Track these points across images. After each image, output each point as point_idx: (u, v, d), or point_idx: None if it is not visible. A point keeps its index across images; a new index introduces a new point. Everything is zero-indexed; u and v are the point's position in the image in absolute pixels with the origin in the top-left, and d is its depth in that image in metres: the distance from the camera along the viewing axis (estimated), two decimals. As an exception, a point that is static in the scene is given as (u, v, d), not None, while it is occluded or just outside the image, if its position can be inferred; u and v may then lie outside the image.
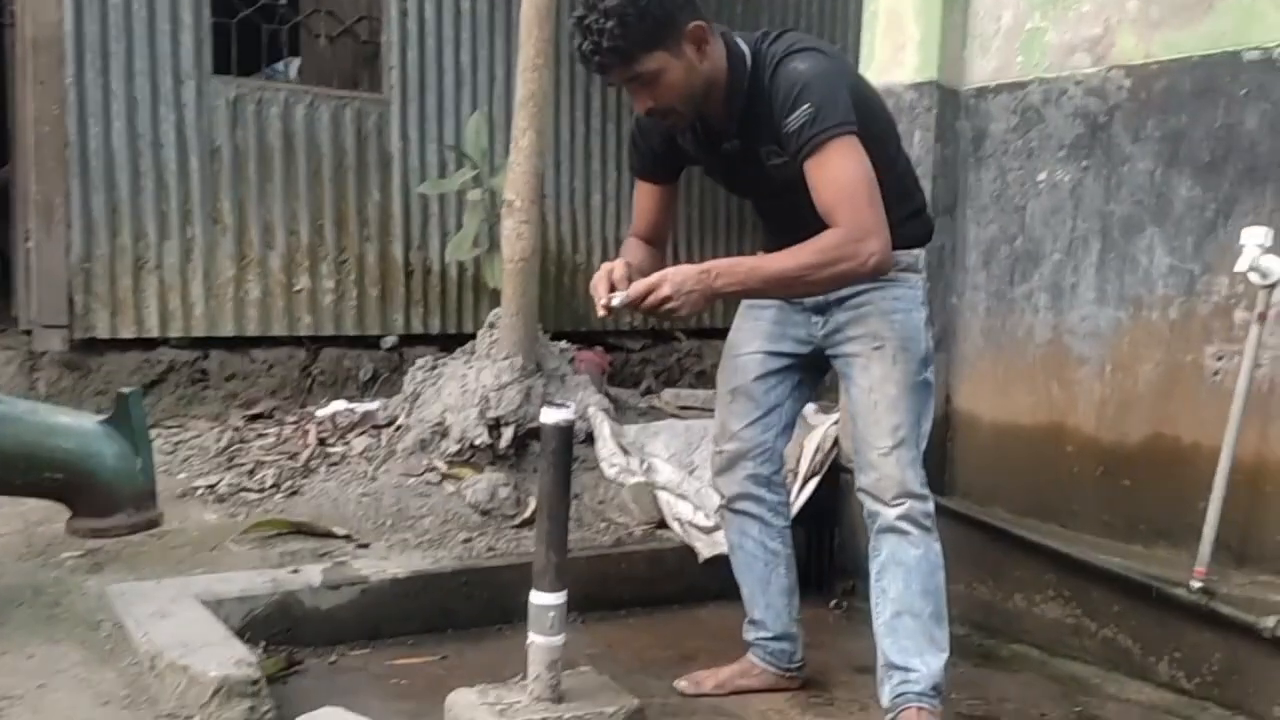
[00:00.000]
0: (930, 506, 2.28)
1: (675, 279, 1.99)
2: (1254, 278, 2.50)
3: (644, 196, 2.43)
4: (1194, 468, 2.71)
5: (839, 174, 2.03)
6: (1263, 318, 2.52)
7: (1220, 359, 2.71)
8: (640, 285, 2.00)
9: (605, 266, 2.09)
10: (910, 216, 2.30)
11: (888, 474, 2.24)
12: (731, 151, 2.24)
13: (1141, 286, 2.87)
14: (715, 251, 5.45)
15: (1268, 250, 2.47)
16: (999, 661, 2.89)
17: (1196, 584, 2.57)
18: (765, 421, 2.47)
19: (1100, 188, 2.96)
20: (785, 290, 2.18)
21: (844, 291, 2.26)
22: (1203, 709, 2.57)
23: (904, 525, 2.24)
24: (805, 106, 2.01)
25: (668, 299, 1.97)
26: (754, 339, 2.46)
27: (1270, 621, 2.43)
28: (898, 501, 2.24)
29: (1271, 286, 2.50)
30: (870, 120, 2.13)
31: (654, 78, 2.05)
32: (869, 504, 2.30)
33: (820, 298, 2.31)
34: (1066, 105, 3.02)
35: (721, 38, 2.15)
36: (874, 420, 2.26)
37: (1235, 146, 2.68)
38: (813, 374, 2.50)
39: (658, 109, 2.11)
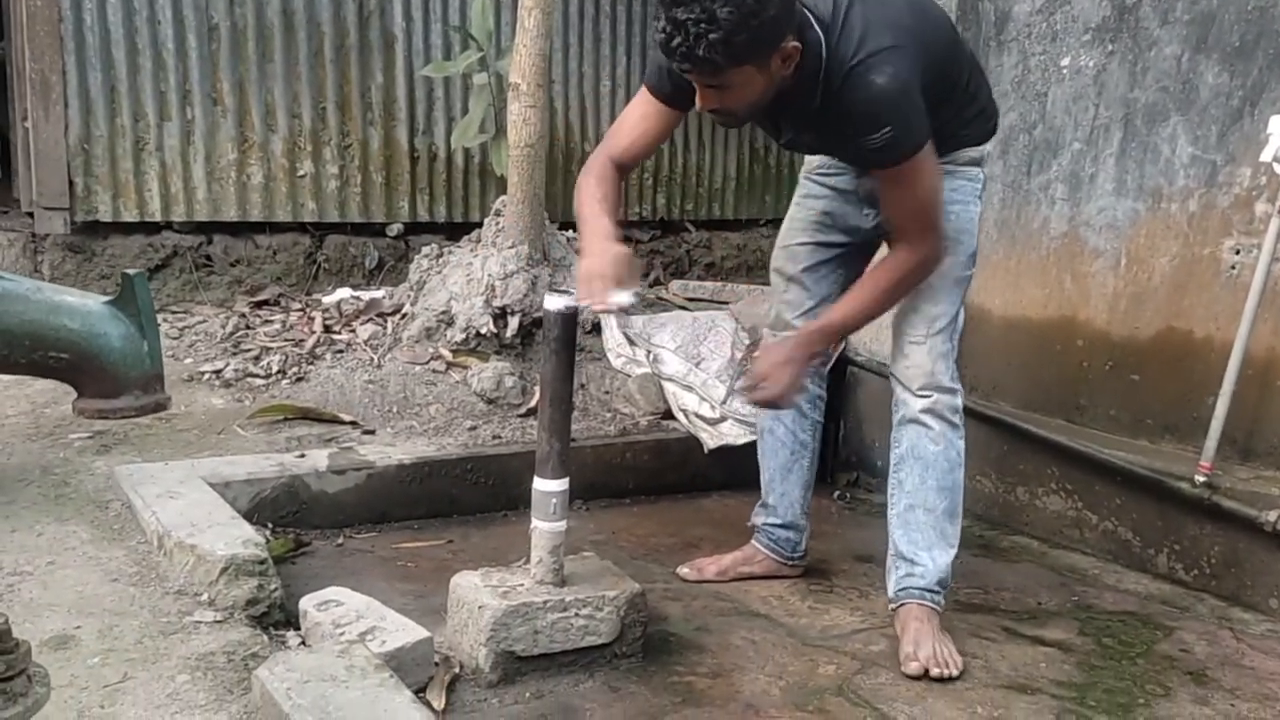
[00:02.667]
0: (958, 401, 2.27)
1: (779, 380, 2.10)
2: (1278, 168, 2.43)
3: (647, 115, 2.15)
4: (1204, 363, 2.68)
5: (910, 196, 2.05)
6: (1285, 210, 2.46)
7: (1238, 253, 2.66)
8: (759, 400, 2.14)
9: (599, 266, 1.92)
10: (976, 115, 2.24)
11: (918, 363, 2.23)
12: (793, 135, 2.18)
13: (1162, 177, 2.80)
14: (714, 153, 5.33)
15: (1294, 140, 2.39)
16: (999, 552, 2.92)
17: (1201, 478, 2.57)
18: (818, 311, 2.42)
19: (1125, 73, 2.86)
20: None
21: None
22: (1199, 599, 2.60)
23: (927, 419, 2.24)
24: (885, 131, 1.93)
25: (788, 388, 2.10)
26: (806, 229, 2.43)
27: (1272, 515, 2.44)
28: (924, 393, 2.23)
29: (1296, 178, 2.43)
30: (943, 66, 2.08)
31: (731, 87, 1.90)
32: (898, 391, 2.30)
33: (875, 186, 2.25)
34: (1094, -14, 2.90)
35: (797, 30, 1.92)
36: (913, 308, 2.24)
37: (1267, 30, 2.57)
38: (864, 258, 2.44)
39: (721, 111, 1.99)
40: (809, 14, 1.94)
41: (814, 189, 2.42)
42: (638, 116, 2.18)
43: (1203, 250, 2.73)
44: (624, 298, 1.89)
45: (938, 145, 2.09)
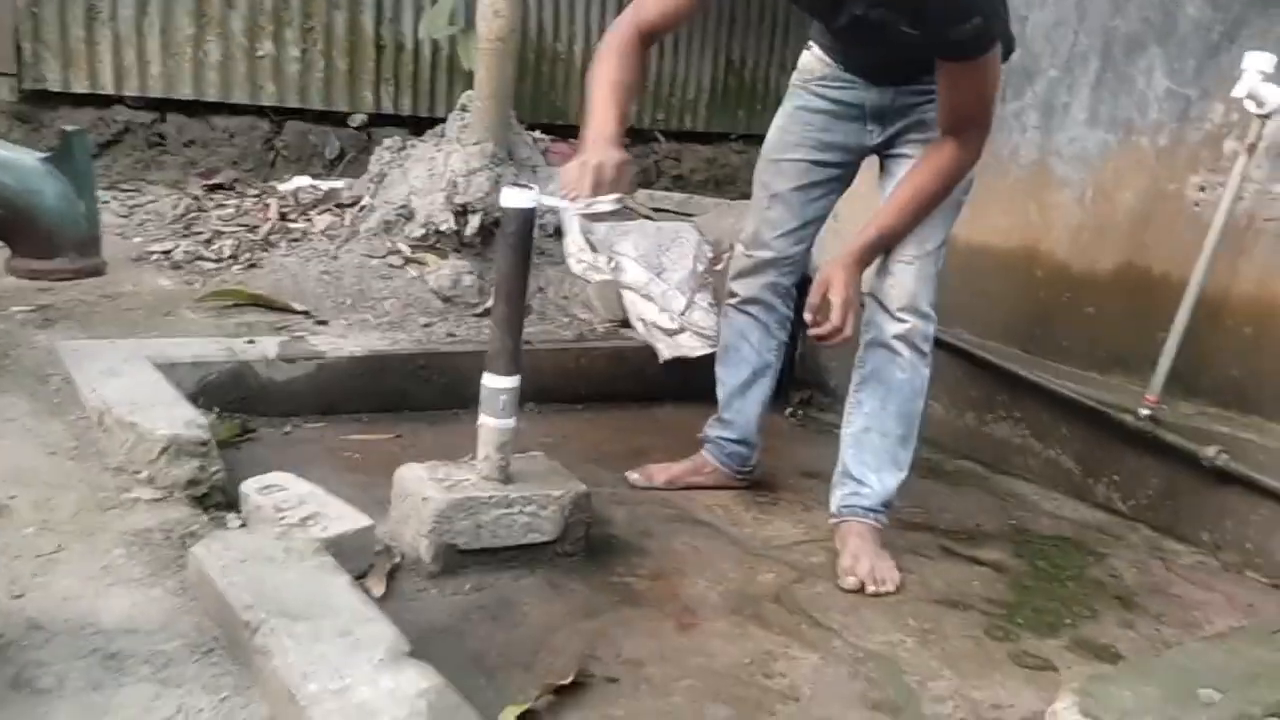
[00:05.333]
0: (931, 329, 2.24)
1: (847, 292, 2.07)
2: (1250, 105, 2.41)
3: None
4: (1159, 298, 2.70)
5: (980, 90, 1.99)
6: (1252, 149, 2.46)
7: (1203, 190, 2.66)
8: (834, 323, 2.07)
9: (592, 165, 1.85)
10: (1002, 33, 2.13)
11: (903, 283, 2.18)
12: (852, 16, 1.98)
13: (1135, 110, 2.78)
14: (689, 62, 5.22)
15: (1268, 78, 2.37)
16: (944, 475, 2.96)
17: (1145, 411, 2.61)
18: (800, 234, 2.41)
19: (1107, 0, 2.81)
20: None
21: (910, 99, 2.20)
22: (1133, 529, 2.66)
23: (898, 345, 2.21)
24: (974, 20, 1.84)
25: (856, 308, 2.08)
26: (800, 145, 2.34)
27: (1211, 451, 2.49)
28: (902, 315, 2.18)
29: (1266, 116, 2.43)
30: None
31: None
32: (872, 311, 2.24)
33: (885, 102, 2.22)
34: (1084, -92, 2.84)
35: None
36: None
37: (1254, -36, 2.54)
38: (849, 180, 2.41)
39: None
40: None
41: (812, 100, 2.32)
42: None
43: (1169, 186, 2.73)
44: (605, 205, 1.86)
45: None
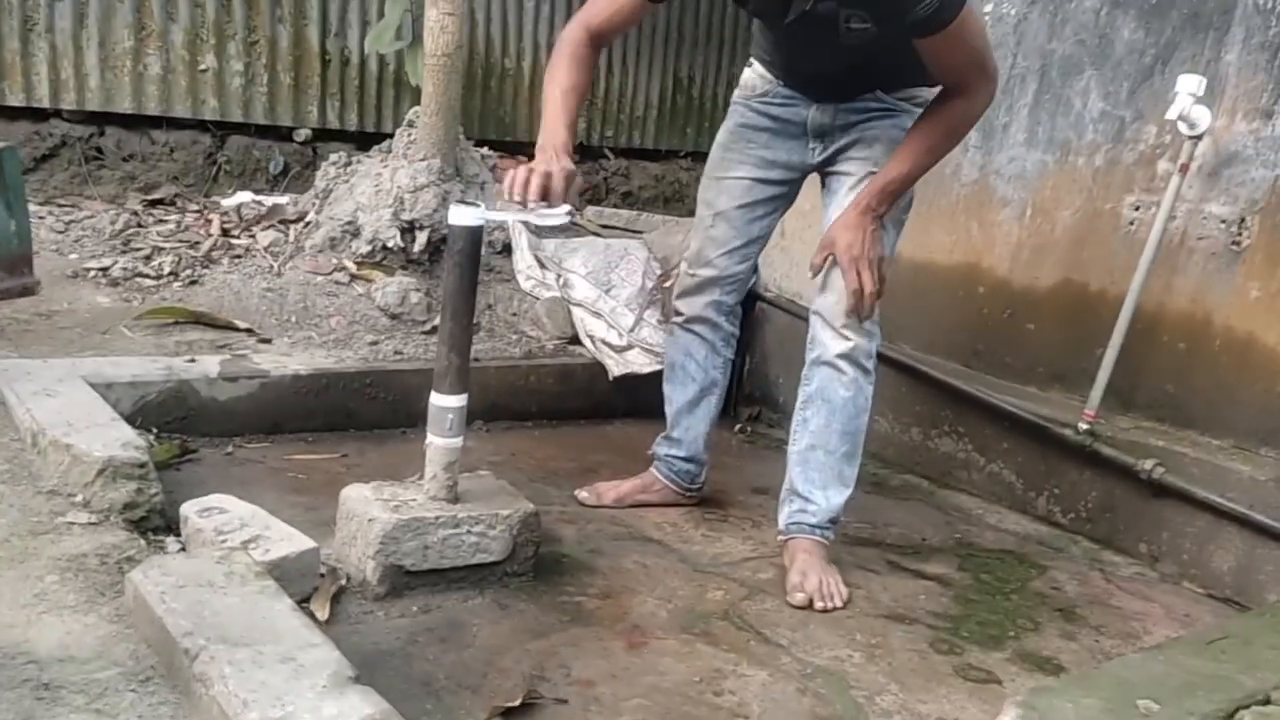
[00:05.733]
0: (874, 347, 2.25)
1: (854, 250, 2.06)
2: (1182, 127, 2.49)
3: (623, 4, 2.10)
4: (1097, 315, 2.76)
5: (965, 49, 1.96)
6: (1185, 169, 2.53)
7: (1137, 209, 2.73)
8: (858, 287, 2.09)
9: (543, 169, 1.89)
10: None
11: (845, 300, 2.17)
12: (801, 12, 1.98)
13: (1072, 130, 2.85)
14: (637, 79, 5.25)
15: (1199, 100, 2.44)
16: (889, 490, 2.99)
17: (1084, 426, 2.66)
18: (744, 252, 2.41)
19: (1045, 24, 2.88)
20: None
21: (851, 116, 2.22)
22: (1074, 542, 2.71)
23: (842, 364, 2.22)
24: None
25: (870, 261, 2.08)
26: (743, 163, 2.35)
27: (1148, 464, 2.54)
28: (845, 332, 2.18)
29: (1198, 138, 2.50)
30: None
31: None
32: (817, 329, 2.24)
33: (825, 120, 2.24)
34: (1022, -67, 2.90)
35: None
36: None
37: (1184, -9, 2.61)
38: (793, 198, 2.43)
39: None
40: None
41: (753, 118, 2.34)
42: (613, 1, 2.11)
43: (1105, 205, 2.79)
44: (553, 217, 1.87)
45: (901, 81, 2.09)
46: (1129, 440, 2.63)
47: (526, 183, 1.89)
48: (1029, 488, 2.87)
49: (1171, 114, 2.46)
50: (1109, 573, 2.54)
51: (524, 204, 1.89)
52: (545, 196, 1.90)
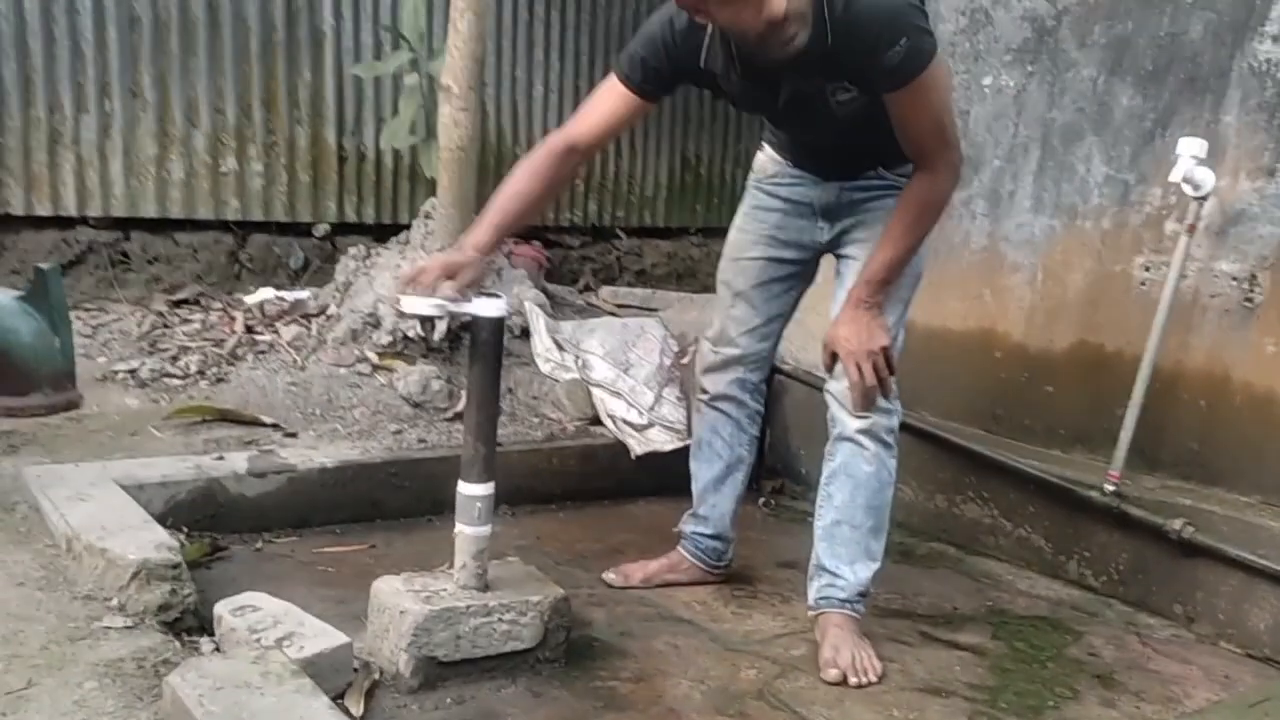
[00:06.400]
0: (894, 422, 2.27)
1: (851, 344, 2.06)
2: (1186, 189, 2.53)
3: (614, 106, 2.15)
4: (1115, 375, 2.77)
5: (929, 109, 2.00)
6: (1192, 229, 2.56)
7: (1148, 269, 2.76)
8: (859, 380, 2.06)
9: (434, 265, 1.98)
10: None
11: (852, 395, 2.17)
12: (792, 90, 2.05)
13: (1077, 195, 2.89)
14: (645, 160, 5.37)
15: (1201, 162, 2.49)
16: (917, 558, 2.98)
17: (1110, 487, 2.66)
18: (764, 331, 2.45)
19: (1044, 94, 2.95)
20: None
21: (855, 195, 2.27)
22: (1107, 605, 2.68)
23: (863, 439, 2.24)
24: (902, 42, 1.88)
25: (870, 353, 2.06)
26: (758, 244, 2.41)
27: (1177, 524, 2.53)
28: (861, 414, 2.19)
29: (1203, 198, 2.54)
30: None
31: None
32: (834, 408, 2.28)
33: (830, 199, 2.29)
34: (1016, 8, 2.99)
35: None
36: None
37: (1178, 56, 2.68)
38: (811, 277, 2.47)
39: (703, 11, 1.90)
40: None
41: (765, 200, 2.40)
42: (605, 104, 2.16)
43: (1115, 266, 2.82)
44: (421, 305, 1.92)
45: (897, 157, 2.13)
46: (1156, 500, 2.62)
47: (401, 279, 1.98)
48: (1058, 551, 2.85)
49: (1175, 176, 2.51)
50: (1145, 635, 2.51)
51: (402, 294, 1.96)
52: (410, 286, 1.95)
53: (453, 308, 1.95)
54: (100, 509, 2.18)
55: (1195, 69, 2.64)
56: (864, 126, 2.09)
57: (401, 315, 1.93)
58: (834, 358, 2.11)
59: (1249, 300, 2.56)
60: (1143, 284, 2.76)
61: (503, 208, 2.12)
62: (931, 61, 1.95)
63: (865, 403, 2.10)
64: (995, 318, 3.09)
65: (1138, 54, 2.75)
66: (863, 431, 2.24)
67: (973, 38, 3.09)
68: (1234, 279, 2.58)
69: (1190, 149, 2.48)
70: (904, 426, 2.49)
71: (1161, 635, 2.53)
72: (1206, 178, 2.50)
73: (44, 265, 2.28)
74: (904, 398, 2.32)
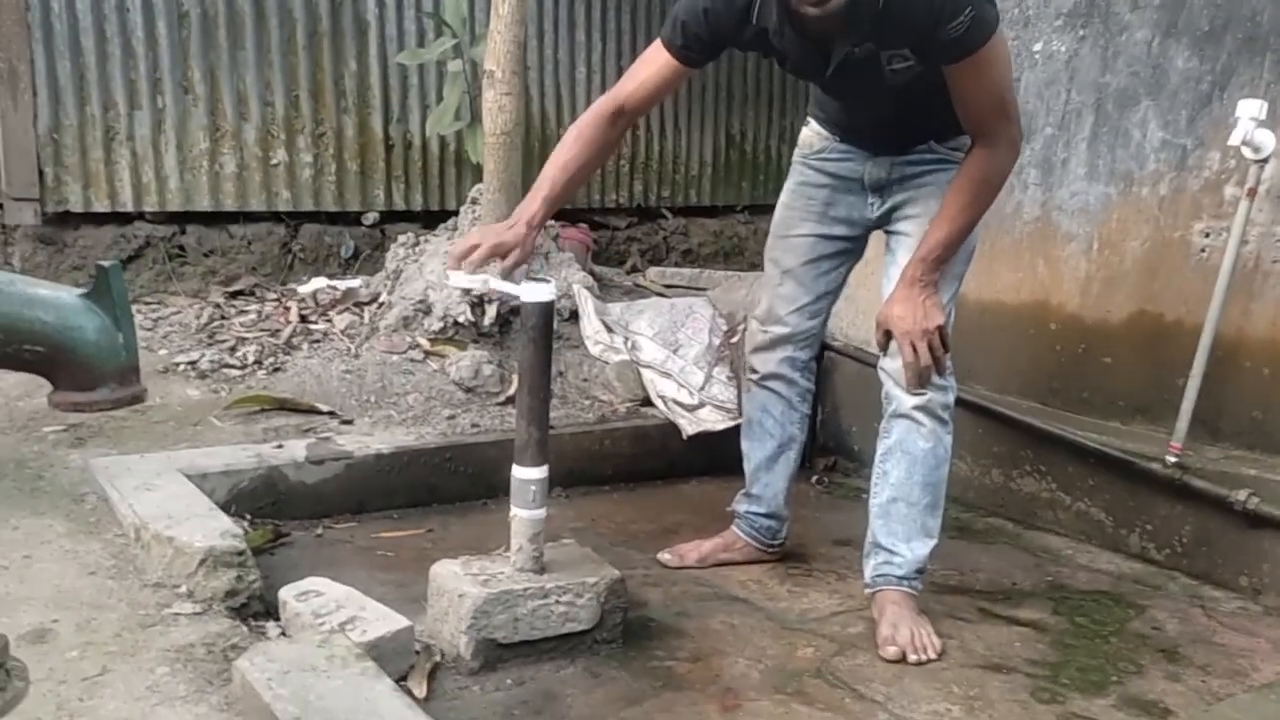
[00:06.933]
0: (950, 398, 2.25)
1: (905, 324, 2.04)
2: (1246, 152, 2.46)
3: (659, 70, 2.14)
4: (1175, 345, 2.72)
5: (991, 83, 1.98)
6: (1253, 193, 2.49)
7: (1208, 236, 2.69)
8: (913, 360, 2.04)
9: (489, 240, 2.00)
10: None
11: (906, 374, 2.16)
12: (844, 56, 2.01)
13: (1133, 162, 2.83)
14: (690, 139, 5.34)
15: (1262, 124, 2.42)
16: (974, 534, 2.95)
17: (1172, 458, 2.61)
18: (813, 308, 2.44)
19: (1096, 58, 2.88)
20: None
21: (906, 169, 2.24)
22: (1171, 578, 2.64)
23: (919, 415, 2.23)
24: (967, 13, 1.85)
25: (925, 332, 2.03)
26: (806, 220, 2.39)
27: (1241, 495, 2.48)
28: (918, 390, 2.18)
29: (1263, 161, 2.47)
30: None
31: None
32: (889, 385, 2.26)
33: (881, 174, 2.27)
34: (1066, -29, 2.92)
35: None
36: None
37: (1235, 15, 2.60)
38: (860, 253, 2.46)
39: None
40: None
41: (813, 175, 2.38)
42: (650, 71, 2.16)
43: (1173, 234, 2.76)
44: (469, 280, 1.95)
45: (953, 128, 2.10)
46: (1219, 471, 2.57)
47: (455, 260, 1.99)
48: (1119, 525, 2.81)
49: (1234, 140, 2.44)
50: (1210, 609, 2.47)
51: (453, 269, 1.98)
52: (458, 263, 1.98)
53: (499, 286, 1.97)
54: (166, 498, 2.23)
55: (1254, 28, 2.56)
56: (917, 97, 2.06)
57: (452, 289, 1.97)
58: (888, 336, 2.09)
59: (1314, 264, 2.49)
60: (1202, 251, 2.70)
61: (554, 178, 2.13)
62: (995, 34, 1.92)
63: (920, 382, 2.08)
64: (1050, 289, 3.04)
65: (1193, 14, 2.68)
66: (918, 408, 2.22)
67: (1022, 3, 3.03)
68: (1298, 243, 2.52)
69: (1250, 111, 2.41)
70: (958, 401, 2.47)
71: (1227, 608, 2.48)
72: (1267, 140, 2.43)
73: (105, 262, 2.33)
74: (958, 372, 2.29)
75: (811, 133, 2.40)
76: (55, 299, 2.34)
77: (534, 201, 2.11)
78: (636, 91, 2.17)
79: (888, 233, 2.32)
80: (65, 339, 2.30)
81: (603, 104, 2.18)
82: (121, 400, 2.34)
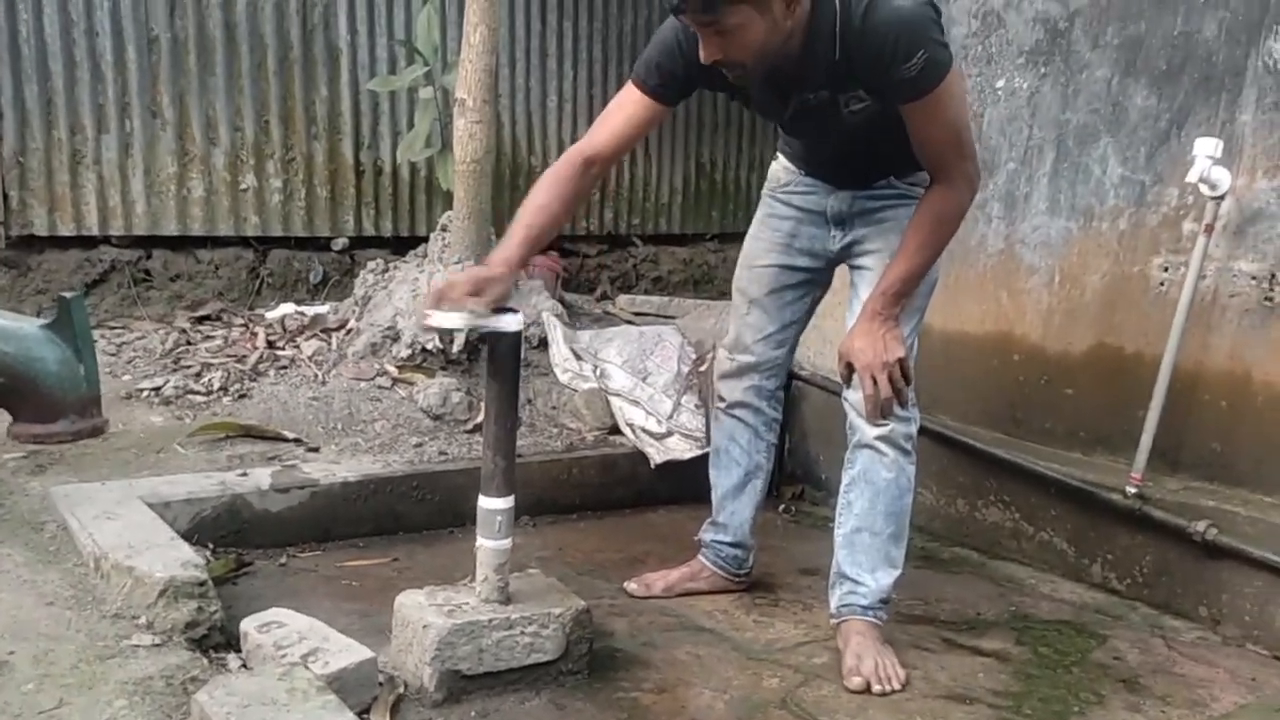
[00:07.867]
0: (912, 429, 2.28)
1: (866, 357, 2.04)
2: (1204, 189, 2.51)
3: (633, 113, 2.15)
4: (1135, 377, 2.76)
5: (947, 121, 2.00)
6: (1210, 229, 2.55)
7: (1166, 270, 2.74)
8: (872, 393, 2.04)
9: (462, 281, 1.95)
10: None
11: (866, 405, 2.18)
12: (800, 101, 2.07)
13: (1093, 197, 2.88)
14: (660, 167, 5.38)
15: (1218, 162, 2.48)
16: (939, 563, 2.97)
17: (1132, 489, 2.64)
18: (779, 338, 2.46)
19: (1058, 96, 2.94)
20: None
21: (867, 203, 2.27)
22: (1132, 608, 2.67)
23: (882, 446, 2.25)
24: (920, 55, 1.88)
25: (885, 365, 2.03)
26: (771, 251, 2.42)
27: (1200, 525, 2.51)
28: (880, 421, 2.19)
29: (1220, 198, 2.52)
30: None
31: (731, 31, 1.88)
32: (852, 416, 2.29)
33: (843, 208, 2.30)
34: (1028, 10, 2.98)
35: None
36: None
37: (1192, 55, 2.66)
38: (826, 284, 2.49)
39: (725, 62, 1.94)
40: None
41: (779, 208, 2.42)
42: (622, 112, 2.16)
43: (1133, 268, 2.81)
44: (447, 321, 1.91)
45: (909, 166, 2.14)
46: (1179, 502, 2.61)
47: (432, 302, 1.94)
48: (1081, 554, 2.84)
49: (1192, 177, 2.49)
50: (1170, 639, 2.50)
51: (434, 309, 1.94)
52: (437, 303, 1.93)
53: (478, 322, 1.96)
54: (127, 527, 2.21)
55: (1210, 68, 2.63)
56: (875, 135, 2.10)
57: (428, 330, 1.91)
58: (850, 368, 2.11)
59: (1269, 299, 2.54)
60: (1161, 285, 2.75)
61: (529, 223, 2.11)
62: (949, 73, 1.95)
63: (881, 413, 2.10)
64: (1013, 320, 3.08)
65: (1151, 54, 2.74)
66: (881, 439, 2.25)
67: (985, 41, 3.09)
68: (1253, 278, 2.57)
69: (1206, 149, 2.47)
70: (923, 431, 2.50)
71: (1187, 638, 2.51)
72: (1223, 177, 2.49)
73: (67, 293, 2.32)
74: (922, 402, 2.32)
75: (780, 167, 2.44)
76: (16, 330, 2.32)
77: (509, 245, 2.08)
78: (609, 141, 2.17)
79: (851, 266, 2.35)
80: (26, 370, 2.28)
81: (574, 153, 2.17)
82: (82, 432, 2.33)
